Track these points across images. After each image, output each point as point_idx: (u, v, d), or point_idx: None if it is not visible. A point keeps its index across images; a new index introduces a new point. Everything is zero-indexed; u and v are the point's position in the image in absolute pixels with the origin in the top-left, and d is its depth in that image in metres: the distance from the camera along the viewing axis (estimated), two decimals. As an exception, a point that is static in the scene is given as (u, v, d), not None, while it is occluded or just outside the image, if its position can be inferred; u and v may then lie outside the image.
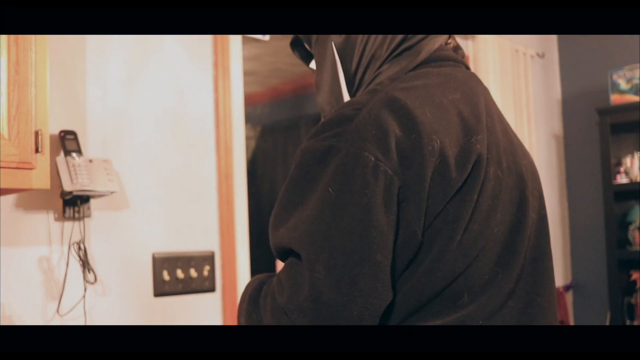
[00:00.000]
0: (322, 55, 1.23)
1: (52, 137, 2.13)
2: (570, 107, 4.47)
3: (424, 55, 1.14)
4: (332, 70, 1.20)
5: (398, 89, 1.04)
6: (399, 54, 1.14)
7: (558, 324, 1.17)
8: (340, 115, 1.01)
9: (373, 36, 1.16)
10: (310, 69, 1.39)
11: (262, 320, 1.03)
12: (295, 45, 1.39)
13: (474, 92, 1.13)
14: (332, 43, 1.20)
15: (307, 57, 1.40)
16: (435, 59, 1.15)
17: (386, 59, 1.15)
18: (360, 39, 1.17)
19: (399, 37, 1.15)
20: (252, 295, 1.08)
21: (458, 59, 1.20)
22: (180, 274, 2.47)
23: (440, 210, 0.99)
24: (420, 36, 1.16)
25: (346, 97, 1.20)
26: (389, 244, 0.96)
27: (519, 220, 1.09)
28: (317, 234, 0.95)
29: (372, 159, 0.95)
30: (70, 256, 2.20)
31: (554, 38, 4.51)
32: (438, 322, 1.00)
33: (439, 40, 1.18)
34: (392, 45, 1.15)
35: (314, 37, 1.26)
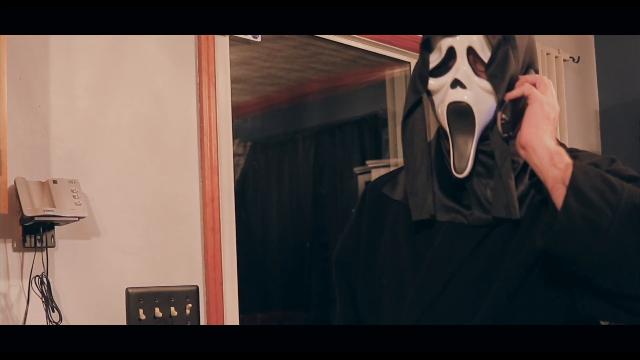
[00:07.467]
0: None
1: (10, 154, 2.13)
2: (609, 119, 4.46)
3: None
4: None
5: None
6: None
7: None
8: None
9: None
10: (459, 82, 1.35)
11: None
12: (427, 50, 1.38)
13: None
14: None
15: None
16: None
17: None
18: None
19: None
20: None
21: None
22: (158, 312, 2.45)
23: None
24: None
25: None
26: None
27: None
28: None
29: None
30: (31, 292, 2.19)
31: (590, 39, 4.51)
32: None
33: None
34: None
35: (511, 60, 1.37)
